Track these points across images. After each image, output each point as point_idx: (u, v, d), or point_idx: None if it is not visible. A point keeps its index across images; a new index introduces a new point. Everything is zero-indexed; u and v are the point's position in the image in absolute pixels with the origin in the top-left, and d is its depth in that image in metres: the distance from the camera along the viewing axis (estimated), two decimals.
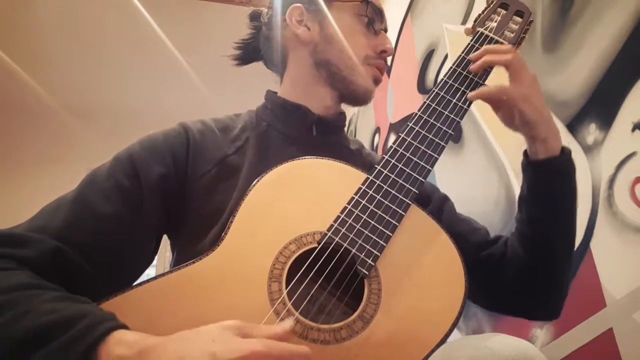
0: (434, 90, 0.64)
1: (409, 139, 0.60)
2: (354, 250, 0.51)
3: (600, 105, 0.83)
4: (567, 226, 0.65)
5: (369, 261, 0.50)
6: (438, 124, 0.61)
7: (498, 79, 0.67)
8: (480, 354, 0.46)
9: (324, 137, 0.74)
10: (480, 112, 1.25)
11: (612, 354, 0.73)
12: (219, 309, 0.46)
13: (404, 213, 0.54)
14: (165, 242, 0.65)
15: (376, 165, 0.58)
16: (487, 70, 0.66)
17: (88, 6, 2.43)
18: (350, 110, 2.50)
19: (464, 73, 0.65)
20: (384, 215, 0.54)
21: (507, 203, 1.07)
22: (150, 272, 0.61)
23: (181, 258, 0.63)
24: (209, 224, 0.61)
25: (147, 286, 0.46)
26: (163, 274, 0.48)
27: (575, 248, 0.83)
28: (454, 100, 0.63)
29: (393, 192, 0.56)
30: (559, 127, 0.90)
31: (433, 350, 0.47)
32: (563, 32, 0.94)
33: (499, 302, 0.71)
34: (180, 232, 0.63)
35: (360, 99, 0.75)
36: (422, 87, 1.66)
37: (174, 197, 0.62)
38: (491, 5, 0.73)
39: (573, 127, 0.89)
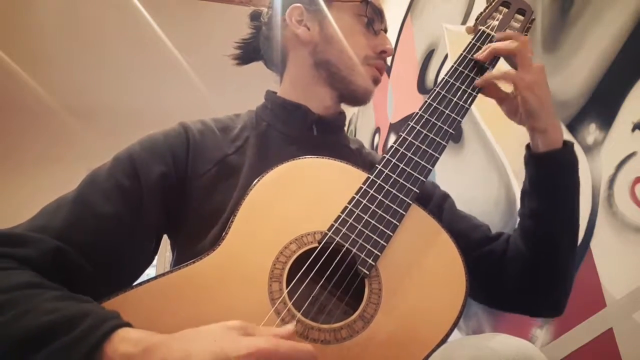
0: (435, 90, 0.64)
1: (409, 139, 0.60)
2: (354, 250, 0.51)
3: (600, 105, 0.83)
4: (569, 220, 0.64)
5: (370, 261, 0.50)
6: (439, 123, 0.61)
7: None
8: (480, 353, 0.46)
9: (324, 136, 0.74)
10: (481, 112, 1.25)
11: (612, 354, 0.73)
12: (219, 308, 0.46)
13: (404, 213, 0.54)
14: (165, 242, 0.65)
15: (377, 165, 0.57)
16: (492, 61, 0.66)
17: (88, 6, 2.43)
18: (350, 110, 2.50)
19: (465, 72, 0.65)
20: (384, 214, 0.54)
21: (507, 203, 1.07)
22: (150, 272, 0.61)
23: (181, 258, 0.63)
24: (209, 223, 0.61)
25: (148, 286, 0.46)
26: (163, 274, 0.48)
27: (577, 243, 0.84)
28: (455, 99, 0.63)
29: (394, 191, 0.56)
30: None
31: (434, 350, 0.47)
32: (563, 32, 0.94)
33: (502, 299, 0.71)
34: (181, 232, 0.63)
35: (359, 99, 0.75)
36: (422, 87, 1.66)
37: (174, 196, 0.62)
38: (493, 4, 0.73)
39: (573, 127, 0.89)
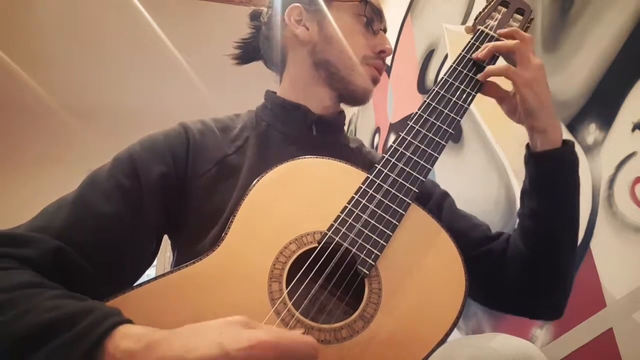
0: (434, 89, 0.64)
1: (409, 138, 0.60)
2: (354, 250, 0.51)
3: (600, 105, 0.83)
4: (569, 220, 0.64)
5: (370, 261, 0.50)
6: (438, 123, 0.61)
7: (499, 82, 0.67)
8: (481, 353, 0.46)
9: (323, 136, 0.74)
10: (481, 112, 1.25)
11: (612, 354, 0.73)
12: (219, 308, 0.46)
13: (404, 212, 0.54)
14: (165, 242, 0.65)
15: (376, 165, 0.57)
16: (491, 60, 0.66)
17: (88, 6, 2.43)
18: (350, 110, 2.50)
19: (465, 71, 0.65)
20: (384, 214, 0.54)
21: (507, 203, 1.07)
22: (150, 273, 0.61)
23: (181, 258, 0.63)
24: (209, 223, 0.61)
25: (148, 286, 0.46)
26: (164, 274, 0.48)
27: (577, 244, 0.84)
28: (454, 99, 0.63)
29: (393, 191, 0.55)
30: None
31: (434, 350, 0.46)
32: (563, 32, 0.94)
33: (501, 300, 0.70)
34: (181, 232, 0.63)
35: (358, 99, 0.75)
36: (422, 87, 1.66)
37: (174, 196, 0.62)
38: (492, 3, 0.73)
39: (573, 127, 0.89)
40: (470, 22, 0.73)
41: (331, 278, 0.50)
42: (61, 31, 2.59)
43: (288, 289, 0.48)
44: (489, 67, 0.64)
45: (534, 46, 0.64)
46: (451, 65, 0.66)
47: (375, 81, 0.75)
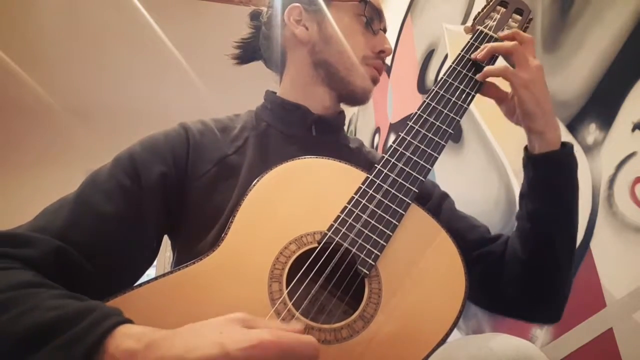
0: (433, 89, 0.64)
1: (408, 138, 0.60)
2: (354, 250, 0.51)
3: (600, 105, 0.83)
4: (567, 223, 0.63)
5: (370, 261, 0.50)
6: (438, 123, 0.61)
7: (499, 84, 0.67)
8: (481, 353, 0.46)
9: (323, 136, 0.74)
10: (480, 112, 1.25)
11: (612, 354, 0.73)
12: (219, 308, 0.46)
13: (404, 212, 0.54)
14: (165, 242, 0.65)
15: (376, 165, 0.57)
16: (490, 61, 0.66)
17: (88, 6, 2.43)
18: (350, 110, 2.50)
19: (464, 71, 0.65)
20: (384, 214, 0.54)
21: (507, 203, 1.08)
22: (150, 273, 0.61)
23: (182, 258, 0.63)
24: (209, 223, 0.61)
25: (148, 286, 0.46)
26: (164, 274, 0.48)
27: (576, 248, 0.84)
28: (454, 99, 0.63)
29: (393, 191, 0.55)
30: (559, 127, 0.90)
31: (434, 350, 0.46)
32: (563, 32, 0.94)
33: (498, 303, 0.70)
34: (181, 232, 0.63)
35: (358, 99, 0.75)
36: (422, 87, 1.66)
37: (174, 196, 0.62)
38: (491, 4, 0.73)
39: (573, 127, 0.89)
40: (470, 22, 0.73)
41: (331, 278, 0.50)
42: (61, 31, 2.59)
43: (288, 289, 0.48)
44: (488, 68, 0.63)
45: (534, 47, 0.64)
46: (450, 66, 0.66)
47: (375, 81, 0.75)
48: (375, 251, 0.51)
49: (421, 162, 0.58)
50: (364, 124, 2.36)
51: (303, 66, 0.75)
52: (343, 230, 0.52)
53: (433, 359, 0.47)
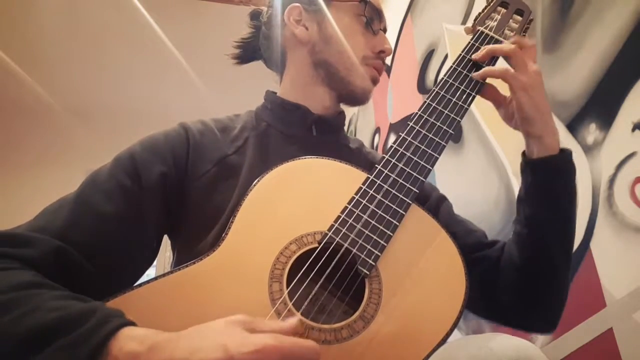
0: (434, 90, 0.64)
1: (409, 139, 0.60)
2: (354, 250, 0.51)
3: (600, 105, 0.83)
4: (564, 229, 0.62)
5: (370, 261, 0.50)
6: (438, 123, 0.61)
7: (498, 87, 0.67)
8: (481, 353, 0.46)
9: (323, 136, 0.74)
10: (480, 112, 1.25)
11: (612, 354, 0.73)
12: (220, 309, 0.46)
13: (404, 213, 0.54)
14: (165, 242, 0.65)
15: (376, 165, 0.57)
16: (490, 62, 0.66)
17: (88, 6, 2.43)
18: (350, 110, 2.50)
19: (464, 72, 0.65)
20: (384, 215, 0.54)
21: (507, 203, 1.08)
22: (150, 273, 0.61)
23: (182, 258, 0.63)
24: (209, 224, 0.61)
25: (149, 286, 0.46)
26: (164, 274, 0.48)
27: (575, 248, 0.84)
28: (454, 99, 0.63)
29: (393, 191, 0.55)
30: (559, 127, 0.90)
31: (434, 350, 0.47)
32: (563, 32, 0.94)
33: (494, 309, 0.69)
34: (181, 232, 0.63)
35: (358, 99, 0.75)
36: (422, 87, 1.66)
37: (174, 196, 0.62)
38: (491, 4, 0.73)
39: (573, 127, 0.89)
40: (470, 22, 0.73)
41: (331, 278, 0.50)
42: (61, 31, 2.59)
43: (288, 289, 0.48)
44: (487, 68, 0.63)
45: (535, 52, 0.64)
46: (451, 66, 0.66)
47: (374, 81, 0.75)
48: (376, 251, 0.51)
49: (421, 163, 0.58)
50: (364, 124, 2.36)
51: (303, 66, 0.75)
52: (343, 230, 0.52)
53: (433, 359, 0.47)
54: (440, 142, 0.60)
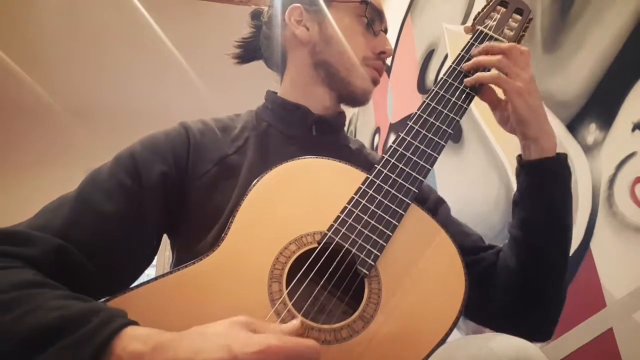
0: (433, 90, 0.64)
1: (408, 139, 0.60)
2: (354, 250, 0.51)
3: (600, 105, 0.83)
4: (559, 233, 0.62)
5: (369, 261, 0.50)
6: (437, 123, 0.61)
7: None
8: (481, 353, 0.46)
9: (323, 137, 0.74)
10: (480, 112, 1.25)
11: (612, 354, 0.73)
12: (220, 309, 0.46)
13: (404, 213, 0.54)
14: (165, 242, 0.65)
15: (376, 165, 0.57)
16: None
17: (88, 6, 2.43)
18: (350, 110, 2.50)
19: (464, 72, 0.65)
20: (384, 214, 0.54)
21: (507, 203, 1.08)
22: (150, 272, 0.61)
23: (181, 258, 0.63)
24: (209, 223, 0.61)
25: (148, 286, 0.46)
26: (164, 274, 0.48)
27: (575, 248, 0.84)
28: (454, 99, 0.63)
29: (393, 191, 0.55)
30: (559, 127, 0.90)
31: (434, 350, 0.46)
32: (563, 32, 0.94)
33: (488, 314, 0.67)
34: (181, 232, 0.63)
35: (358, 100, 0.75)
36: (422, 87, 1.66)
37: (174, 196, 0.62)
38: (491, 3, 0.73)
39: (573, 127, 0.89)
40: (470, 22, 0.73)
41: (331, 278, 0.50)
42: (61, 31, 2.59)
43: (288, 290, 0.48)
44: (478, 74, 0.63)
45: (529, 46, 0.63)
46: (450, 66, 0.66)
47: (375, 82, 0.75)
48: (375, 251, 0.51)
49: (421, 163, 0.58)
50: (364, 124, 2.36)
51: (303, 66, 0.75)
52: (343, 230, 0.52)
53: (433, 359, 0.47)
54: (440, 142, 0.60)
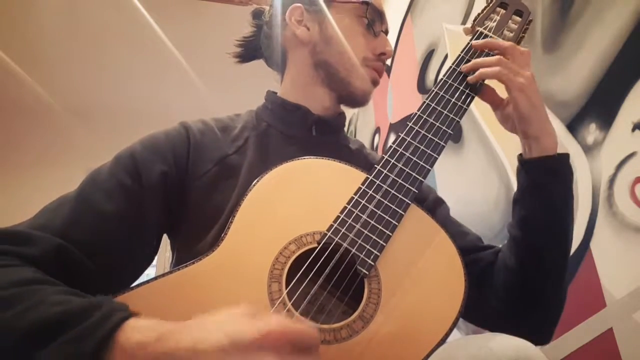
0: (433, 90, 0.64)
1: (408, 139, 0.60)
2: (353, 250, 0.51)
3: (600, 105, 0.83)
4: (559, 233, 0.61)
5: (369, 261, 0.50)
6: (437, 124, 0.61)
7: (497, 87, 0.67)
8: (480, 353, 0.46)
9: (323, 137, 0.74)
10: (480, 112, 1.25)
11: (612, 354, 0.73)
12: (219, 308, 0.46)
13: (403, 213, 0.54)
14: (165, 242, 0.65)
15: (376, 165, 0.57)
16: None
17: (88, 6, 2.43)
18: (350, 111, 2.50)
19: (463, 73, 0.65)
20: (383, 215, 0.54)
21: (507, 203, 1.07)
22: (150, 272, 0.61)
23: (181, 258, 0.63)
24: (209, 223, 0.61)
25: (148, 286, 0.46)
26: (164, 274, 0.48)
27: (575, 248, 0.84)
28: (453, 100, 0.63)
29: (393, 191, 0.55)
30: (559, 127, 0.90)
31: (433, 350, 0.47)
32: (563, 32, 0.94)
33: (485, 315, 0.67)
34: (181, 232, 0.63)
35: (358, 100, 0.75)
36: (422, 87, 1.66)
37: (174, 196, 0.62)
38: (490, 5, 0.73)
39: (573, 127, 0.89)
40: (470, 23, 0.73)
41: (331, 278, 0.50)
42: (61, 31, 2.59)
43: (287, 289, 0.48)
44: (481, 70, 0.62)
45: (529, 47, 0.63)
46: (450, 67, 0.66)
47: (375, 83, 0.75)
48: (375, 251, 0.51)
49: (421, 163, 0.58)
50: (364, 124, 2.36)
51: (304, 66, 0.75)
52: (342, 230, 0.52)
53: (433, 359, 0.47)
54: (440, 142, 0.60)
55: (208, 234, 0.60)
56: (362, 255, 0.51)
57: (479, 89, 0.65)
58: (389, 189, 0.56)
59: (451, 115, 0.62)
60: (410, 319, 0.49)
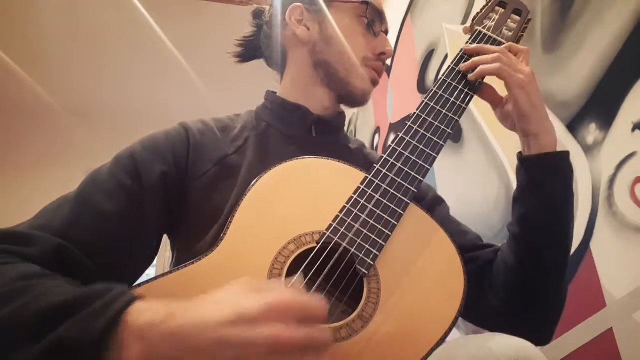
0: (432, 89, 0.64)
1: (407, 138, 0.60)
2: (353, 250, 0.51)
3: (600, 105, 0.83)
4: (560, 232, 0.60)
5: (368, 260, 0.50)
6: (436, 123, 0.61)
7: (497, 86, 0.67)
8: (480, 353, 0.46)
9: (323, 137, 0.74)
10: (480, 112, 1.25)
11: (612, 354, 0.73)
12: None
13: (403, 212, 0.54)
14: (165, 242, 0.65)
15: (375, 165, 0.57)
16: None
17: (88, 6, 2.43)
18: (350, 110, 2.50)
19: (462, 72, 0.65)
20: (383, 214, 0.54)
21: (507, 203, 1.07)
22: (150, 272, 0.61)
23: (181, 258, 0.63)
24: (208, 223, 0.61)
25: (148, 286, 0.46)
26: (163, 274, 0.48)
27: (575, 248, 0.84)
28: (452, 99, 0.63)
29: (392, 191, 0.55)
30: (559, 127, 0.90)
31: (433, 349, 0.46)
32: (563, 32, 0.94)
33: (484, 314, 0.66)
34: (181, 232, 0.63)
35: (357, 100, 0.75)
36: (422, 87, 1.66)
37: (174, 196, 0.62)
38: (489, 4, 0.73)
39: (573, 127, 0.89)
40: (469, 23, 0.73)
41: (330, 278, 0.50)
42: (61, 31, 2.59)
43: None
44: (481, 66, 0.63)
45: (530, 47, 0.63)
46: (449, 66, 0.66)
47: (374, 83, 0.75)
48: (374, 251, 0.51)
49: (420, 162, 0.58)
50: (363, 124, 2.36)
51: (303, 66, 0.75)
52: (342, 230, 0.52)
53: (432, 358, 0.46)
54: (439, 141, 0.60)
55: (207, 233, 0.60)
56: (361, 255, 0.51)
57: (478, 88, 0.65)
58: (388, 189, 0.56)
59: (450, 115, 0.62)
60: (410, 318, 0.48)
